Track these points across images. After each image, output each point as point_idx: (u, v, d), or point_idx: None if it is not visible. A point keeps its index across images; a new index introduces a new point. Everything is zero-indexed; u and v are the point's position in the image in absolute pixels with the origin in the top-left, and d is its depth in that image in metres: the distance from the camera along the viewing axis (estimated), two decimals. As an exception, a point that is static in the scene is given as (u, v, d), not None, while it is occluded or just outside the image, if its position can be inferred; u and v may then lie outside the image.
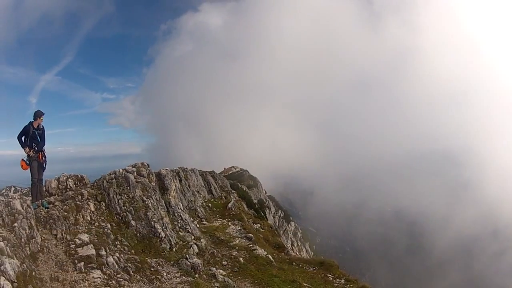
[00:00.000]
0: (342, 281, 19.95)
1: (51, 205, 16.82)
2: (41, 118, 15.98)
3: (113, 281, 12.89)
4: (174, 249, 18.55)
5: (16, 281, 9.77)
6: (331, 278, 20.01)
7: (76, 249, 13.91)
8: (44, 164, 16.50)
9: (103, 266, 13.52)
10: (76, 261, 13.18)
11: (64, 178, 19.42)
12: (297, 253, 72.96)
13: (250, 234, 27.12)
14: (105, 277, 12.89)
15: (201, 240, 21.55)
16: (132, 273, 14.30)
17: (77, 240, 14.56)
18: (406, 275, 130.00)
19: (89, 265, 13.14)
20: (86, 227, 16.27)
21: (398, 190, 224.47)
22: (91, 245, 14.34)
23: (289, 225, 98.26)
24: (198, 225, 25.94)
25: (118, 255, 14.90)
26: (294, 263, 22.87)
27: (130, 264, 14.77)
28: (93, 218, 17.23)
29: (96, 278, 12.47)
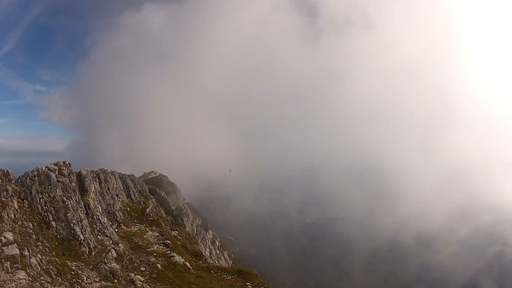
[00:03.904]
0: (262, 289, 21.58)
1: None
2: None
3: (37, 283, 13.44)
4: (93, 253, 19.22)
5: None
6: (250, 287, 21.51)
7: (2, 247, 14.23)
8: None
9: (27, 267, 13.99)
10: (3, 260, 13.57)
11: (-9, 173, 19.29)
12: (215, 262, 74.14)
13: (168, 241, 28.06)
14: (30, 278, 13.40)
15: (120, 245, 22.33)
16: (54, 276, 14.88)
17: (2, 238, 14.83)
18: (327, 284, 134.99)
19: (15, 265, 13.57)
20: (11, 226, 16.52)
21: (318, 199, 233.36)
22: (15, 244, 14.70)
23: (207, 233, 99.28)
24: (116, 230, 26.53)
25: (40, 257, 15.38)
26: (212, 271, 24.16)
27: (51, 267, 15.31)
28: (16, 216, 17.47)
29: (22, 279, 12.96)
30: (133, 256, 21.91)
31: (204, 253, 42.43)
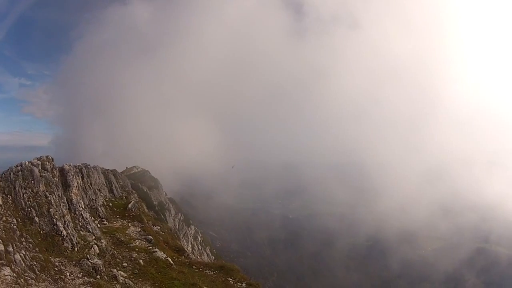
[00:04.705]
0: (244, 285, 22.07)
1: None
2: None
3: (22, 280, 13.73)
4: (75, 249, 19.47)
5: None
6: (232, 282, 22.01)
7: (-13, 244, 14.39)
8: None
9: (11, 264, 14.24)
10: (-13, 256, 13.75)
11: (-25, 168, 19.45)
12: (198, 257, 74.56)
13: (150, 236, 28.25)
14: (14, 275, 13.68)
15: (102, 241, 22.57)
16: (37, 272, 15.15)
17: (-13, 235, 14.98)
18: (309, 278, 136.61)
19: (0, 261, 13.89)
20: (-5, 222, 16.70)
21: (300, 195, 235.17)
22: (0, 240, 14.92)
23: (189, 229, 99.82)
24: (99, 225, 26.67)
25: (24, 253, 15.61)
26: (194, 267, 24.62)
27: (35, 263, 15.57)
28: (1, 212, 17.56)
29: (7, 275, 13.24)
30: (115, 252, 22.13)
31: (186, 249, 42.77)
